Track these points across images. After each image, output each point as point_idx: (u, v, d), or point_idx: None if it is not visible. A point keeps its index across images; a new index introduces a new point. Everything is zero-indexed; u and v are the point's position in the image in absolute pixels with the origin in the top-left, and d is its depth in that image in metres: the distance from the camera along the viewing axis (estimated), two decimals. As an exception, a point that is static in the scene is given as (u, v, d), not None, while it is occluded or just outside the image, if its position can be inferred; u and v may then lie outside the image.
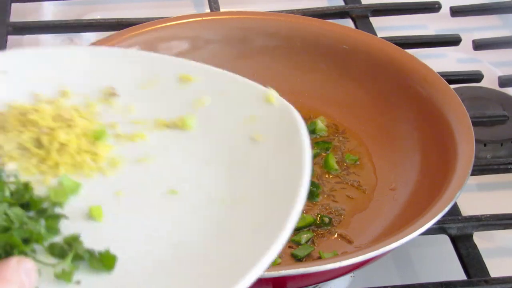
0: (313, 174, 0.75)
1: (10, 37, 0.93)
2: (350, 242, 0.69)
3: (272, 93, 0.57)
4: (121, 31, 0.82)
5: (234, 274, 0.45)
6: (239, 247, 0.47)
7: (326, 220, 0.71)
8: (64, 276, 0.47)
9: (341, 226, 0.71)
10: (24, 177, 0.53)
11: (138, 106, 0.59)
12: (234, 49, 0.84)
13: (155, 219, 0.50)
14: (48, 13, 1.05)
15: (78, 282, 0.47)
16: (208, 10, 1.00)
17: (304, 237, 0.69)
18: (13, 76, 0.60)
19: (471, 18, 1.04)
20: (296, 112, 0.55)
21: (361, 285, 0.70)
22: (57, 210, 0.51)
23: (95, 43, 0.81)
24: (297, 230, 0.70)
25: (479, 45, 0.97)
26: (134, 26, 0.83)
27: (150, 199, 0.52)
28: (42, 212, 0.50)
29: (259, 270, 0.45)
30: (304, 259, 0.68)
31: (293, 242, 0.69)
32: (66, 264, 0.47)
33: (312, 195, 0.73)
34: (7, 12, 0.97)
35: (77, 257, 0.48)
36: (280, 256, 0.67)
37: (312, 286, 0.67)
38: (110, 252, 0.47)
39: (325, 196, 0.73)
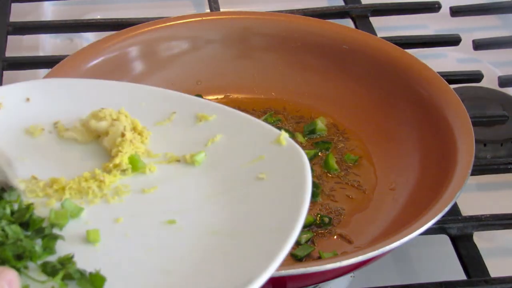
0: (313, 174, 0.75)
1: (10, 37, 0.93)
2: (350, 242, 0.69)
3: (283, 135, 0.58)
4: (121, 31, 0.82)
5: None
6: (229, 275, 0.49)
7: (326, 220, 0.71)
8: None
9: (341, 226, 0.71)
10: (29, 199, 0.55)
11: (153, 140, 0.60)
12: (234, 49, 0.84)
13: (149, 246, 0.52)
14: (48, 13, 1.05)
15: None
16: (208, 10, 1.00)
17: (304, 237, 0.69)
18: (35, 104, 0.62)
19: (471, 18, 1.04)
20: (304, 155, 0.56)
21: (361, 285, 0.70)
22: (55, 231, 0.52)
23: (95, 43, 0.81)
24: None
25: (479, 45, 0.97)
26: (134, 26, 0.83)
27: (148, 227, 0.53)
28: (40, 232, 0.52)
29: None
30: (304, 259, 0.68)
31: (293, 242, 0.69)
32: (56, 281, 0.48)
33: (312, 195, 0.73)
34: (7, 12, 0.97)
35: (68, 276, 0.49)
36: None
37: (312, 286, 0.67)
38: (100, 273, 0.48)
39: (325, 196, 0.73)
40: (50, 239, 0.51)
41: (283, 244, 0.49)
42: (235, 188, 0.56)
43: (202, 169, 0.58)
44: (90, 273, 0.49)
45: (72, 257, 0.50)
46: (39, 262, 0.50)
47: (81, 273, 0.49)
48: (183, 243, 0.52)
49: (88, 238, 0.52)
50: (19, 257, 0.49)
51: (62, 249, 0.51)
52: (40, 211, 0.54)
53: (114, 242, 0.52)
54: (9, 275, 0.45)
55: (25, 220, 0.52)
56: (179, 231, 0.53)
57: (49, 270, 0.49)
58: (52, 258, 0.50)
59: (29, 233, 0.52)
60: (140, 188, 0.57)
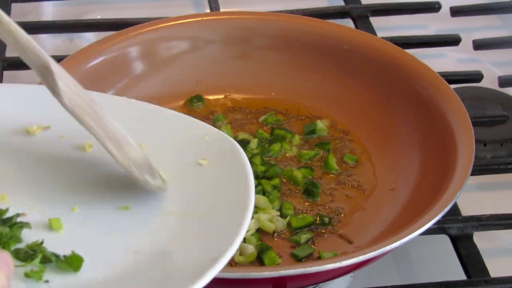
0: (313, 174, 0.75)
1: (10, 37, 0.93)
2: (350, 242, 0.69)
3: (212, 129, 0.60)
4: (121, 31, 0.82)
5: (191, 275, 0.48)
6: (195, 252, 0.51)
7: (326, 220, 0.71)
8: (33, 274, 0.49)
9: (341, 226, 0.71)
10: None
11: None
12: (234, 49, 0.84)
13: (112, 230, 0.53)
14: (48, 13, 1.05)
15: (46, 281, 0.49)
16: (208, 10, 1.00)
17: (304, 237, 0.69)
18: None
19: (471, 18, 1.04)
20: (233, 141, 0.59)
21: (361, 285, 0.70)
22: (20, 219, 0.53)
23: (95, 43, 0.81)
24: (297, 230, 0.70)
25: (479, 45, 0.97)
26: (134, 26, 0.83)
27: (104, 214, 0.55)
28: (6, 221, 0.52)
29: (215, 271, 0.48)
30: (304, 259, 0.68)
31: (293, 242, 0.69)
32: (34, 264, 0.49)
33: (312, 195, 0.73)
34: (7, 12, 0.96)
35: (45, 259, 0.50)
36: (280, 256, 0.67)
37: (312, 286, 0.67)
38: (76, 254, 0.50)
39: (325, 196, 0.73)
40: (17, 228, 0.52)
41: (241, 221, 0.51)
42: (178, 173, 0.57)
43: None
44: (65, 256, 0.50)
45: (41, 243, 0.51)
46: (11, 248, 0.50)
47: (56, 256, 0.50)
48: (141, 225, 0.53)
49: (51, 226, 0.53)
50: None
51: (27, 238, 0.52)
52: None
53: (76, 229, 0.53)
54: (5, 255, 0.46)
55: None
56: (134, 215, 0.54)
57: (22, 256, 0.50)
58: (19, 246, 0.51)
59: None
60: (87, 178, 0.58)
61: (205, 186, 0.56)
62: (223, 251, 0.49)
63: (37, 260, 0.49)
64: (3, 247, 0.50)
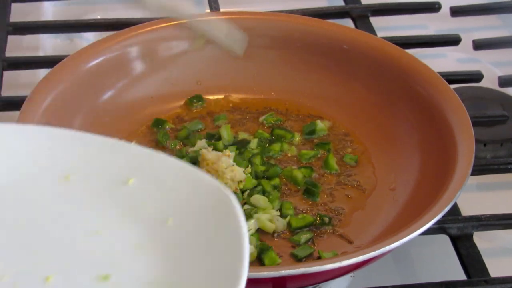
0: (313, 174, 0.75)
1: (10, 37, 0.93)
2: (350, 242, 0.69)
3: (202, 176, 0.53)
4: (121, 31, 0.82)
5: None
6: None
7: (326, 220, 0.71)
8: None
9: (341, 226, 0.71)
10: None
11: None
12: (235, 49, 0.84)
13: None
14: (48, 13, 1.05)
15: None
16: (208, 10, 1.00)
17: (304, 237, 0.69)
18: None
19: (471, 18, 1.04)
20: (228, 191, 0.51)
21: (361, 285, 0.70)
22: None
23: (95, 43, 0.81)
24: (297, 230, 0.70)
25: (479, 45, 0.97)
26: (134, 26, 0.83)
27: (82, 285, 0.49)
28: None
29: None
30: (304, 259, 0.68)
31: (293, 242, 0.69)
32: None
33: (312, 195, 0.73)
34: (7, 12, 0.97)
35: None
36: (280, 256, 0.67)
37: (312, 286, 0.67)
38: None
39: (325, 196, 0.73)
40: None
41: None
42: (164, 234, 0.51)
43: (126, 215, 0.52)
44: None
45: None
46: None
47: None
48: None
49: None
50: None
51: None
52: None
53: None
54: None
55: None
56: (116, 286, 0.48)
57: None
58: None
59: None
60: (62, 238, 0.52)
61: (194, 249, 0.50)
62: None
63: None
64: None
